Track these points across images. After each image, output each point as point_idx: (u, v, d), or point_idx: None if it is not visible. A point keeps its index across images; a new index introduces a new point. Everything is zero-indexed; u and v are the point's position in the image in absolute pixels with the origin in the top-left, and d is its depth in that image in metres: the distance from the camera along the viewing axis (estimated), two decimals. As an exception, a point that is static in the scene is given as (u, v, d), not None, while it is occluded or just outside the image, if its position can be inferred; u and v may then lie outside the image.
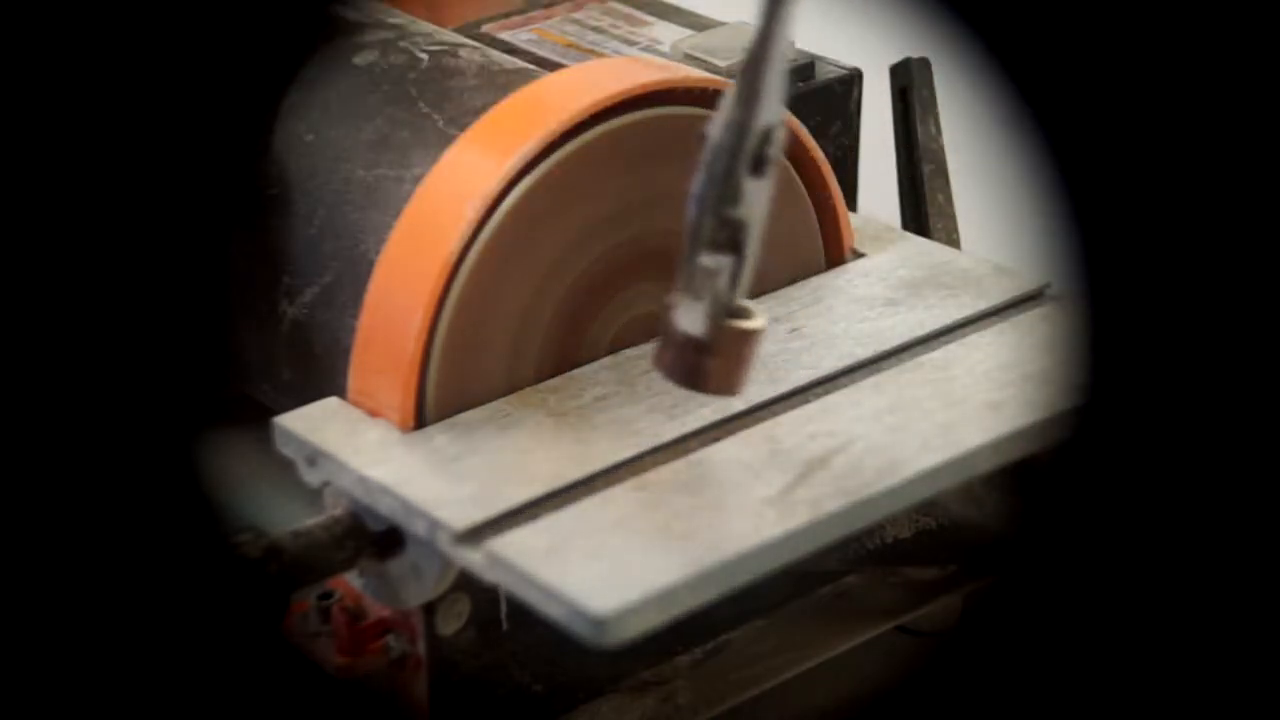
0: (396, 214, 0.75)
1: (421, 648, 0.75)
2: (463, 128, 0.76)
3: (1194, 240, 0.52)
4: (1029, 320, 0.79)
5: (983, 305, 0.79)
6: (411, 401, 0.73)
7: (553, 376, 0.76)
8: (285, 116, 0.83)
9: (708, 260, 0.66)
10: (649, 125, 0.76)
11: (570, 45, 0.96)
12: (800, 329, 0.79)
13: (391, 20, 0.88)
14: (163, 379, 0.59)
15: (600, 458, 0.71)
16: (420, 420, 0.73)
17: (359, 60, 0.84)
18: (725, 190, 0.65)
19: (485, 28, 0.97)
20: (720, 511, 0.68)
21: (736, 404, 0.72)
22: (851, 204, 0.93)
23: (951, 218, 0.98)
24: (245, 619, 0.67)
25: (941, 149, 0.98)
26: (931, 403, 0.74)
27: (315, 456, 0.73)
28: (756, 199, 0.66)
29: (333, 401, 0.75)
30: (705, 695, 0.80)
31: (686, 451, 0.72)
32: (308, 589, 0.75)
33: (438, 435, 0.73)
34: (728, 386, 0.68)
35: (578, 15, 0.99)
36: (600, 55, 0.94)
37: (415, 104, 0.81)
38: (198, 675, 0.61)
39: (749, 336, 0.68)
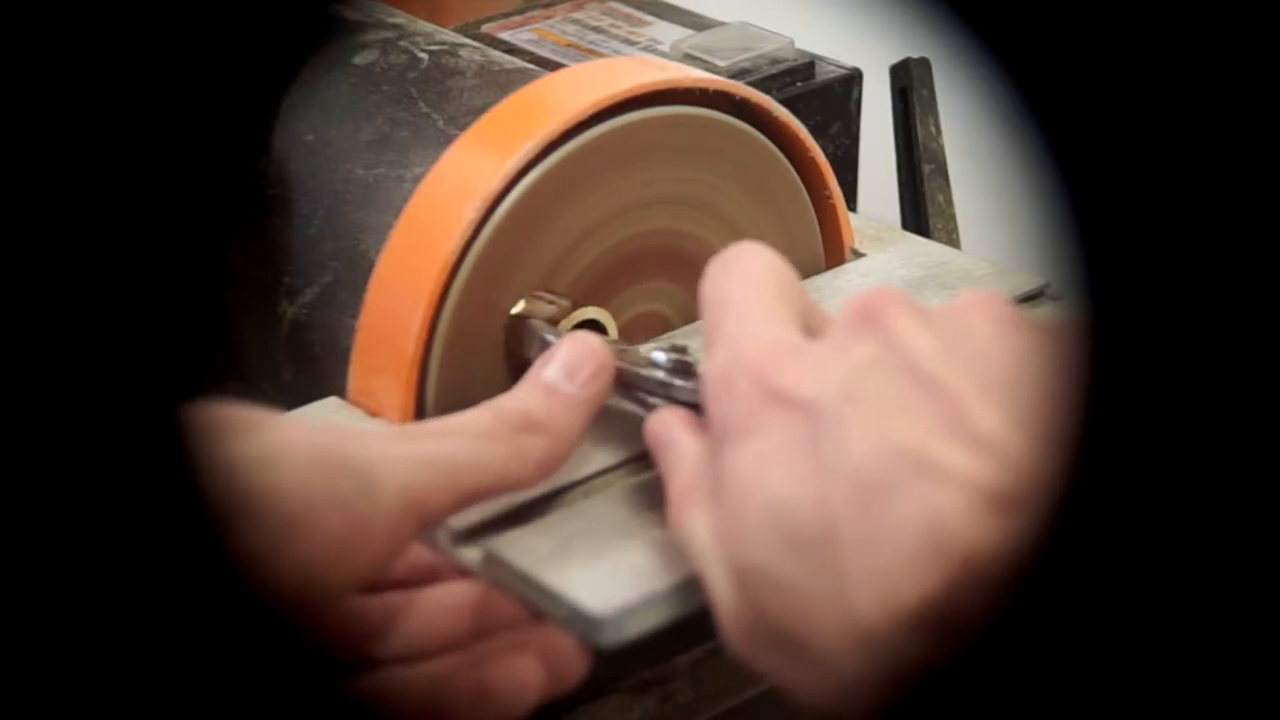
0: (396, 214, 0.75)
1: (421, 648, 0.75)
2: (463, 128, 0.76)
3: (1195, 240, 0.52)
4: (1029, 320, 0.79)
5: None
6: (411, 401, 0.73)
7: (553, 376, 0.76)
8: (285, 116, 0.83)
9: None
10: (649, 125, 0.76)
11: (570, 45, 0.96)
12: (800, 329, 0.79)
13: (391, 20, 0.88)
14: (162, 379, 0.59)
15: (600, 458, 0.71)
16: (420, 420, 0.73)
17: (359, 60, 0.84)
18: None
19: (485, 28, 0.97)
20: (720, 511, 0.68)
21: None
22: (851, 204, 0.93)
23: (951, 218, 0.98)
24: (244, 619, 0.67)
25: (941, 149, 0.98)
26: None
27: (315, 456, 0.72)
28: None
29: (333, 401, 0.75)
30: (705, 695, 0.80)
31: (686, 451, 0.72)
32: (308, 589, 0.75)
33: (438, 435, 0.73)
34: None
35: (578, 15, 0.99)
36: (600, 55, 0.94)
37: (415, 104, 0.81)
38: (196, 676, 0.61)
39: None
